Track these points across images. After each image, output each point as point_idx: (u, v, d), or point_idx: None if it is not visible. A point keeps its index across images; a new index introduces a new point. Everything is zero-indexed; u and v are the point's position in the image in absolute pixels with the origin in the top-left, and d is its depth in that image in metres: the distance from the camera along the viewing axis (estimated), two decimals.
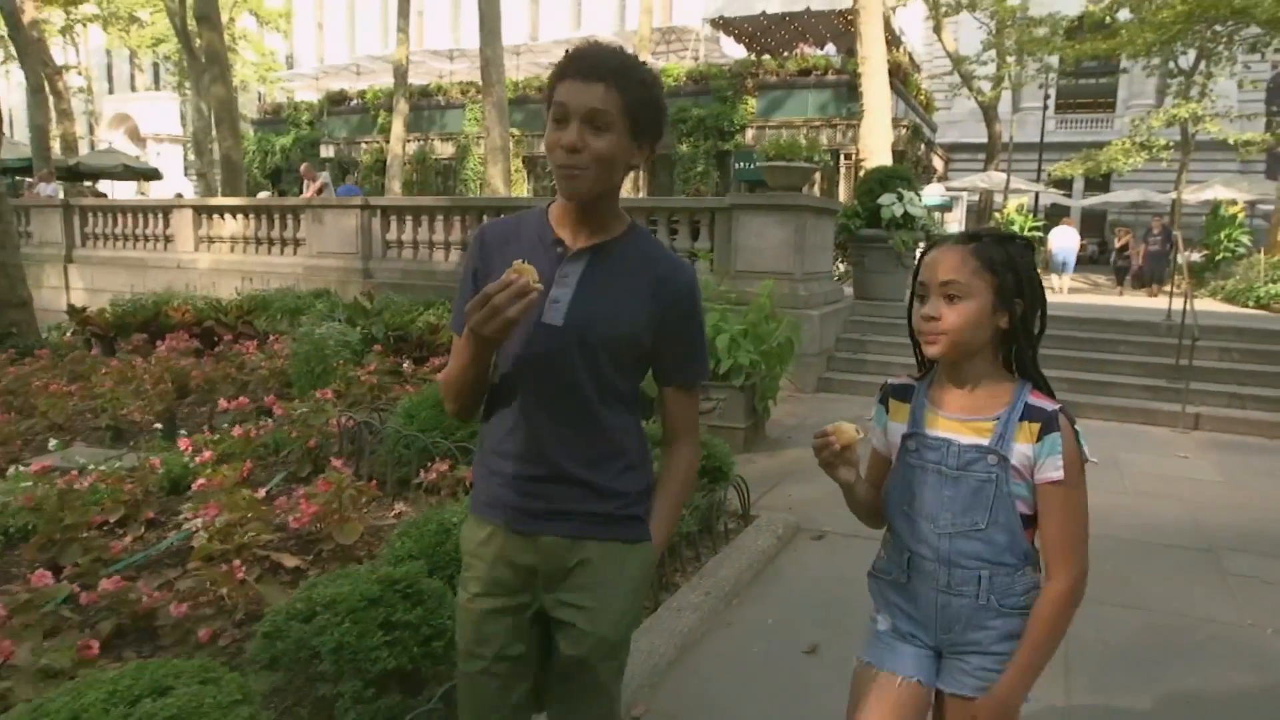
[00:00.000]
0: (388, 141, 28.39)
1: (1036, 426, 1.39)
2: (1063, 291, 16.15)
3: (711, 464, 3.81)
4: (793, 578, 3.72)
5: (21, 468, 3.97)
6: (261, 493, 3.51)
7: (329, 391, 5.11)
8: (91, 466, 3.84)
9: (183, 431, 4.71)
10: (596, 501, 1.50)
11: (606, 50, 1.42)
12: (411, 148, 26.12)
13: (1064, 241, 17.01)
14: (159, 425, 4.97)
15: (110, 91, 51.72)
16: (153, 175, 23.18)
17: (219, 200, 13.62)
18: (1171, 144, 21.20)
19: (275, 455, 4.53)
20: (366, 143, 29.73)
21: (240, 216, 12.55)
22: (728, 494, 4.05)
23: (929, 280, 1.45)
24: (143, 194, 28.10)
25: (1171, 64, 21.06)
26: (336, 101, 31.08)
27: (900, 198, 8.95)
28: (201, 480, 3.42)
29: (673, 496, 1.60)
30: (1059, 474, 1.38)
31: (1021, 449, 1.40)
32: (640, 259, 1.51)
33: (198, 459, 3.93)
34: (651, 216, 9.30)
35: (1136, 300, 14.54)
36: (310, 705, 2.20)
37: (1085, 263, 23.20)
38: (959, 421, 1.47)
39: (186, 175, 41.91)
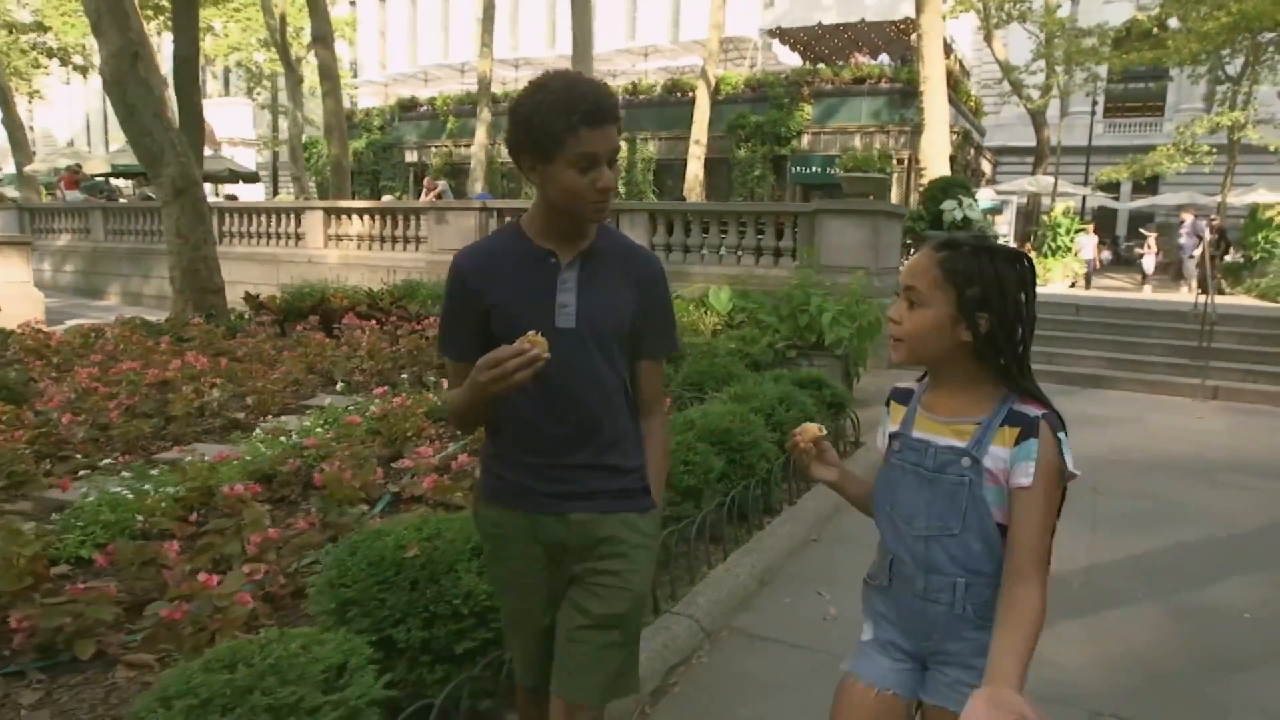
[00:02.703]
0: (456, 146, 30.25)
1: (1016, 431, 1.36)
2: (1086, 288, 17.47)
3: (836, 400, 5.32)
4: None
5: (332, 399, 5.58)
6: None
7: None
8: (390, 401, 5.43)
9: (431, 379, 6.32)
10: (616, 479, 1.67)
11: (601, 87, 1.53)
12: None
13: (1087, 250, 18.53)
14: (404, 376, 6.59)
15: None
16: (253, 178, 25.24)
17: (348, 203, 15.36)
18: (1215, 149, 22.07)
19: None
20: (436, 146, 31.27)
21: (367, 217, 14.28)
22: (845, 424, 5.53)
23: (901, 281, 1.46)
24: (224, 196, 30.07)
25: (1219, 72, 21.92)
26: (407, 108, 32.71)
27: (960, 203, 10.33)
28: None
29: (661, 461, 1.79)
30: (1027, 480, 1.32)
31: (997, 452, 1.37)
32: (619, 254, 1.68)
33: None
34: (741, 220, 10.81)
35: (1165, 294, 15.70)
36: None
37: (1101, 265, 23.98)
38: (941, 423, 1.45)
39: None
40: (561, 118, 1.46)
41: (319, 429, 5.02)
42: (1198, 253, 17.84)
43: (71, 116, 53.93)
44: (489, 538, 1.76)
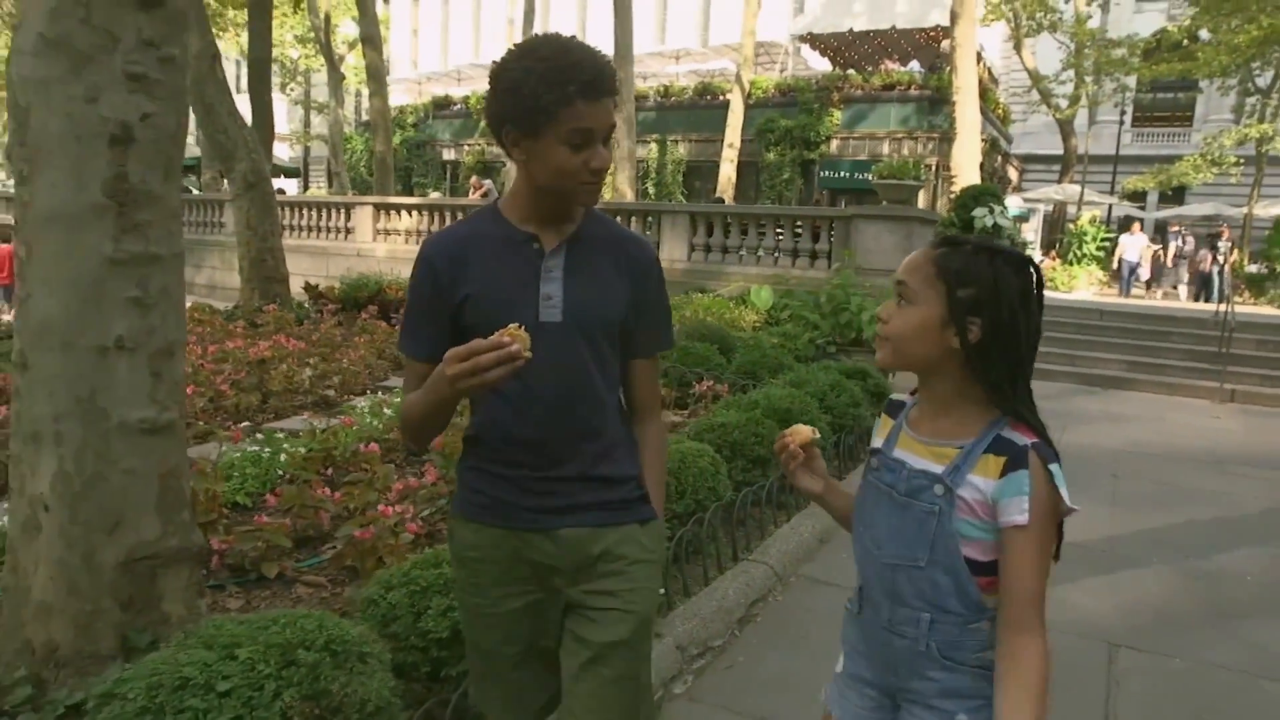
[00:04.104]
0: (489, 144, 30.85)
1: (1001, 461, 1.22)
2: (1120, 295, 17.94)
3: (879, 389, 5.83)
4: None
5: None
6: None
7: None
8: None
9: None
10: (610, 490, 1.51)
11: (599, 56, 1.38)
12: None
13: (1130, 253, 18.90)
14: None
15: None
16: (294, 173, 26.02)
17: (397, 199, 15.99)
18: (1243, 160, 22.30)
19: None
20: (469, 145, 31.89)
21: (415, 212, 14.89)
22: None
23: (894, 276, 1.36)
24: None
25: (1249, 84, 22.16)
26: (441, 106, 33.32)
27: (991, 211, 10.77)
28: None
29: (659, 470, 1.62)
30: (1023, 518, 1.19)
31: (976, 483, 1.24)
32: (608, 240, 1.52)
33: None
34: (779, 223, 11.32)
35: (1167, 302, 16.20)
36: None
37: None
38: (921, 444, 1.33)
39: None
40: (555, 88, 1.32)
41: None
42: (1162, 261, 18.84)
43: None
44: (464, 561, 1.56)
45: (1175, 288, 19.67)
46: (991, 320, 1.24)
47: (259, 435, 4.58)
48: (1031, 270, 1.28)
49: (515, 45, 1.40)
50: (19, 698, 2.15)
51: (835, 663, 1.49)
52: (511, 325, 1.27)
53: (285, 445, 4.30)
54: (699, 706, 2.70)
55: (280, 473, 4.12)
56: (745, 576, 3.47)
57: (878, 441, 1.43)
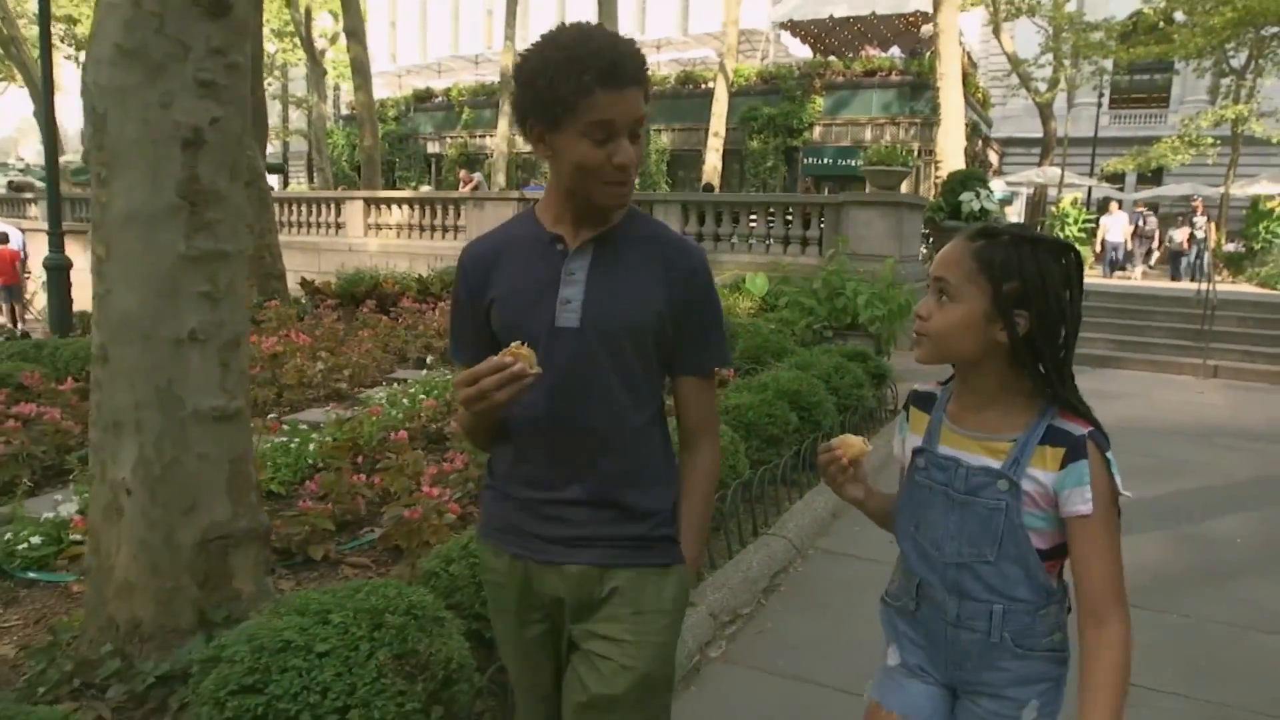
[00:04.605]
0: (472, 137, 30.85)
1: (1060, 452, 1.22)
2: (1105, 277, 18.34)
3: (879, 371, 6.02)
4: None
5: (427, 373, 6.28)
6: None
7: None
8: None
9: None
10: (627, 524, 1.39)
11: (622, 43, 1.28)
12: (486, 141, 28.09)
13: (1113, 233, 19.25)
14: None
15: None
16: (278, 169, 25.93)
17: (388, 193, 16.02)
18: (1219, 141, 22.66)
19: None
20: (451, 138, 31.77)
21: (406, 207, 14.94)
22: (886, 393, 6.24)
23: (931, 272, 1.33)
24: None
25: (1224, 65, 22.52)
26: (422, 99, 33.15)
27: (978, 195, 11.01)
28: None
29: (700, 507, 1.47)
30: (1087, 507, 1.19)
31: (1037, 475, 1.24)
32: (646, 241, 1.41)
33: None
34: (770, 210, 11.49)
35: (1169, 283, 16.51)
36: None
37: None
38: (973, 439, 1.31)
39: None
40: (573, 78, 1.24)
41: (422, 395, 5.72)
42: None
43: (76, 110, 54.60)
44: (487, 583, 1.52)
45: (1148, 265, 20.00)
46: (1039, 312, 1.24)
47: (284, 426, 4.71)
48: (1072, 256, 1.27)
49: (541, 35, 1.32)
50: (109, 670, 2.30)
51: (886, 655, 1.48)
52: (514, 343, 1.24)
53: (312, 436, 4.43)
54: (735, 668, 2.88)
55: (310, 462, 4.25)
56: (766, 549, 3.65)
57: (916, 439, 1.40)
